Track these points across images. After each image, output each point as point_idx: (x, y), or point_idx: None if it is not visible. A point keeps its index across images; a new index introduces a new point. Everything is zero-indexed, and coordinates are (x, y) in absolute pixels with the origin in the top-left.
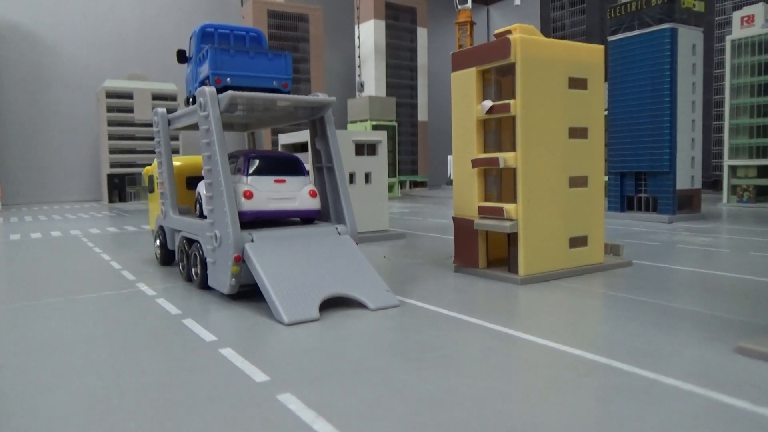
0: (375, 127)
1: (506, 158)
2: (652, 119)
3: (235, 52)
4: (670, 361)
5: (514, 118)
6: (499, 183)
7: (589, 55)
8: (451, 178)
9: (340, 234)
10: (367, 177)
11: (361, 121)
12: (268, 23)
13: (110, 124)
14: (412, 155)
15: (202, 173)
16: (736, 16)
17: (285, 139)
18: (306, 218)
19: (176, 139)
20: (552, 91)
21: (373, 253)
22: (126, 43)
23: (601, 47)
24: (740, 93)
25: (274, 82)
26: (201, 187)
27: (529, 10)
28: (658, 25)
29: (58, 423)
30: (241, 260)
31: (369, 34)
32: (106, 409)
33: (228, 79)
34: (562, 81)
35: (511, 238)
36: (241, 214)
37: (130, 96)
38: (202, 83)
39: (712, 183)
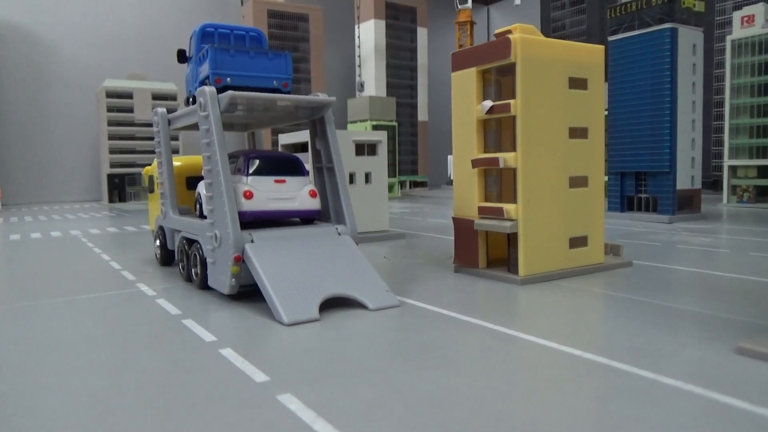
0: (375, 127)
1: (506, 158)
2: (652, 119)
3: (235, 52)
4: (670, 361)
5: (514, 118)
6: (499, 183)
7: (590, 55)
8: (451, 178)
9: (340, 234)
10: (367, 177)
11: (361, 121)
12: (268, 23)
13: (110, 124)
14: (412, 155)
15: (202, 173)
16: (737, 16)
17: (285, 139)
18: (306, 218)
19: (176, 139)
20: (552, 91)
21: (373, 254)
22: (126, 43)
23: (602, 47)
24: (740, 93)
25: (274, 82)
26: (201, 187)
27: (530, 10)
28: (658, 25)
29: (58, 423)
30: (241, 260)
31: (369, 34)
32: (106, 409)
33: (228, 78)
34: (562, 81)
35: (511, 239)
36: (241, 215)
37: (130, 96)
38: (202, 83)
39: (712, 183)
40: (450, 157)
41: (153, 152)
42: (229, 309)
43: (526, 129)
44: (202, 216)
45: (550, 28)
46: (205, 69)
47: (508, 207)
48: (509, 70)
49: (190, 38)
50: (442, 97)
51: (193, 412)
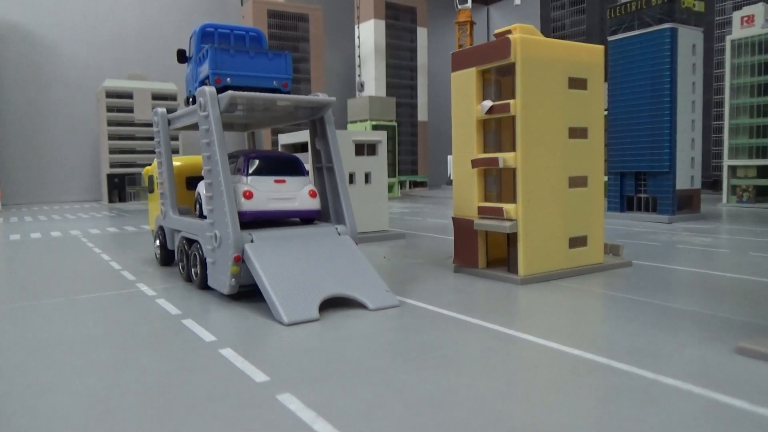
0: (375, 127)
1: (506, 158)
2: (652, 119)
3: (235, 52)
4: (669, 361)
5: (513, 118)
6: (498, 183)
7: (589, 55)
8: (451, 178)
9: (339, 234)
10: (367, 177)
11: (361, 121)
12: (268, 23)
13: (110, 124)
14: (411, 155)
15: (202, 173)
16: (736, 16)
17: (285, 139)
18: (306, 218)
19: (176, 139)
20: (552, 91)
21: (373, 254)
22: (126, 43)
23: (601, 47)
24: (740, 93)
25: (274, 82)
26: (201, 187)
27: (529, 9)
28: (658, 25)
29: (58, 423)
30: (240, 260)
31: (369, 34)
32: (106, 409)
33: (228, 78)
34: (561, 81)
35: (511, 239)
36: (241, 215)
37: (130, 96)
38: (202, 83)
39: (712, 183)
40: (450, 157)
41: (153, 152)
42: (229, 309)
43: (525, 129)
44: (201, 216)
45: (549, 28)
46: (205, 69)
47: (507, 207)
48: (509, 70)
49: (190, 38)
50: (442, 97)
51: (193, 412)
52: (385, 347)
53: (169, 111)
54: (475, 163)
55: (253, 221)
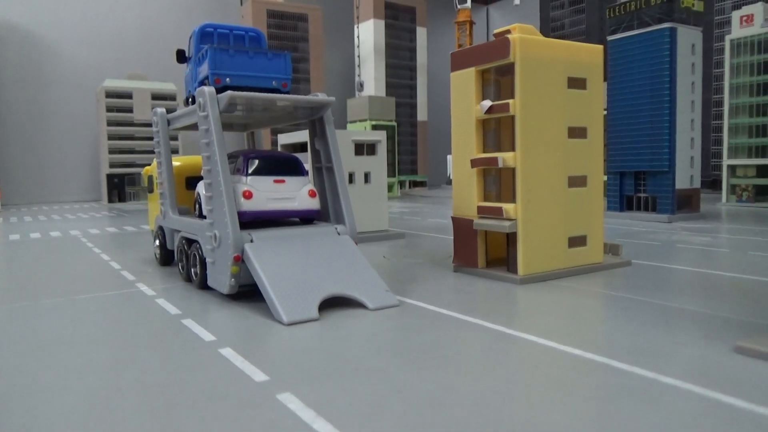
0: (374, 127)
1: (505, 158)
2: (652, 119)
3: (234, 52)
4: (669, 361)
5: (513, 117)
6: (498, 183)
7: (589, 55)
8: (451, 177)
9: (339, 234)
10: (367, 177)
11: (360, 120)
12: (267, 23)
13: (110, 123)
14: (411, 155)
15: (202, 173)
16: (736, 15)
17: (284, 139)
18: (305, 218)
19: (176, 139)
20: (551, 91)
21: (373, 253)
22: (125, 42)
23: (600, 47)
24: (739, 92)
25: (274, 82)
26: (200, 187)
27: (529, 9)
28: (657, 24)
29: (58, 422)
30: (240, 260)
31: (368, 34)
32: (106, 408)
33: (227, 79)
34: (561, 81)
35: (510, 238)
36: (241, 214)
37: (129, 96)
38: (202, 83)
39: (712, 182)
40: (449, 157)
41: (152, 152)
42: (229, 309)
43: (525, 129)
44: (201, 216)
45: (549, 27)
46: (204, 69)
47: (507, 206)
48: (508, 69)
49: (190, 38)
50: (442, 96)
51: (193, 412)
52: (384, 347)
53: (169, 111)
54: (474, 162)
55: (252, 221)
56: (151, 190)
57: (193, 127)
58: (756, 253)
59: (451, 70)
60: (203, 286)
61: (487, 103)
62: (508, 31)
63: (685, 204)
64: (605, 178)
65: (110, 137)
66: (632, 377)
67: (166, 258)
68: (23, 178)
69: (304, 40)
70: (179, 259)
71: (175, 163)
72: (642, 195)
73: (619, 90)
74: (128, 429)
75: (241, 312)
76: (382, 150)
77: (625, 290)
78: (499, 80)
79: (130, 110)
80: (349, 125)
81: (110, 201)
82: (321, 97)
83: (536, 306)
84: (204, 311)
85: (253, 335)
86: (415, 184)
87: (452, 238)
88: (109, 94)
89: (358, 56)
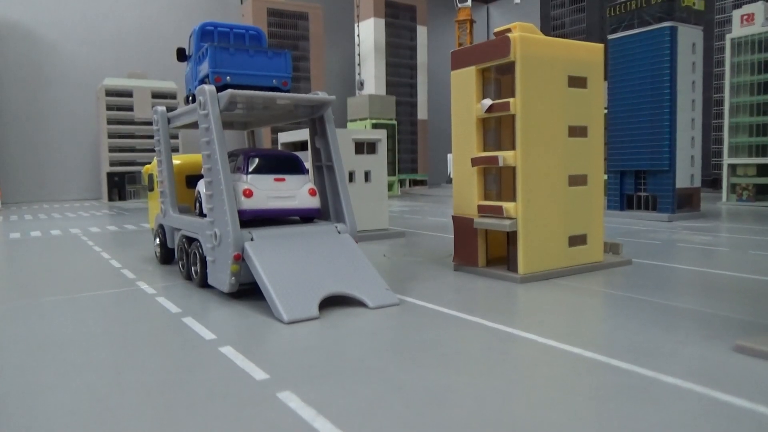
0: (375, 126)
1: (506, 157)
2: (652, 118)
3: (234, 51)
4: (669, 360)
5: (513, 116)
6: (498, 181)
7: (589, 54)
8: (451, 176)
9: (339, 233)
10: (367, 175)
11: (360, 119)
12: (267, 21)
13: (110, 122)
14: (411, 154)
15: (202, 172)
16: (736, 14)
17: (285, 137)
18: (306, 217)
19: (176, 137)
20: (552, 90)
21: (373, 252)
22: (126, 41)
23: (601, 46)
24: (740, 91)
25: (274, 81)
26: (201, 186)
27: (529, 8)
28: (657, 23)
29: (58, 422)
30: (240, 259)
31: (369, 33)
32: (107, 407)
33: (228, 77)
34: (561, 79)
35: (511, 237)
36: (241, 213)
37: (129, 94)
38: (202, 81)
39: (712, 181)
40: (450, 156)
41: (153, 151)
42: (229, 307)
43: (525, 127)
44: (201, 214)
45: (549, 26)
46: (204, 67)
47: (507, 205)
48: (509, 68)
49: (190, 37)
50: (442, 95)
51: (194, 410)
52: (385, 345)
53: (169, 109)
54: (474, 161)
55: (253, 220)
56: (151, 189)
57: (194, 125)
58: (756, 252)
59: (452, 68)
60: (203, 284)
61: (488, 101)
62: (509, 30)
63: (686, 203)
64: (605, 177)
65: (110, 136)
66: (632, 376)
67: (166, 256)
68: (24, 176)
69: (305, 38)
70: (180, 257)
71: (176, 161)
72: (642, 194)
73: (619, 89)
74: (128, 428)
75: (242, 310)
76: (382, 149)
77: (625, 289)
78: (499, 79)
79: (130, 109)
80: (349, 124)
81: (110, 199)
82: (321, 95)
83: (536, 305)
84: (204, 310)
85: (254, 334)
86: (415, 182)
87: (452, 236)
88: (110, 93)
89: (359, 55)
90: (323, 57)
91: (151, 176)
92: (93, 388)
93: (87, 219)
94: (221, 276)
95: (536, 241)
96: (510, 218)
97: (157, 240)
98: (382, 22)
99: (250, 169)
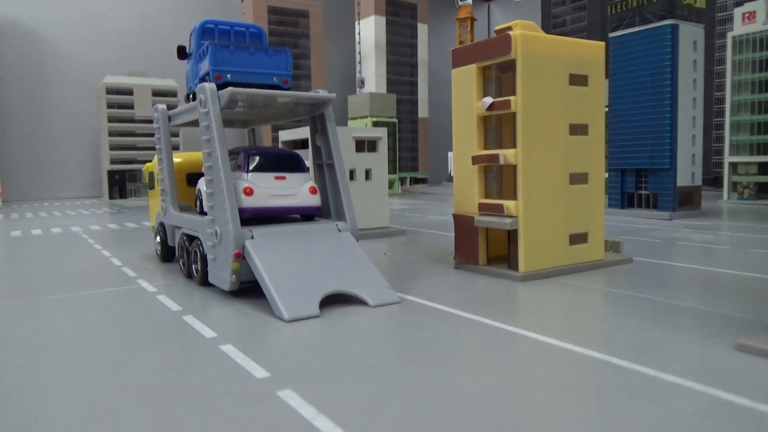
0: (375, 124)
1: (506, 155)
2: (653, 116)
3: (235, 49)
4: (670, 358)
5: (514, 114)
6: (499, 180)
7: (590, 52)
8: (452, 174)
9: (340, 231)
10: (368, 174)
11: (361, 117)
12: (268, 19)
13: (110, 120)
14: (412, 152)
15: (203, 170)
16: (738, 12)
17: (285, 135)
18: (306, 215)
19: (176, 135)
20: (552, 88)
21: (374, 250)
22: (126, 39)
23: (602, 44)
24: (741, 90)
25: (275, 79)
26: (201, 184)
27: (530, 6)
28: (659, 21)
29: (58, 420)
30: (241, 257)
31: (369, 31)
32: (107, 405)
33: (228, 75)
34: (562, 77)
35: (511, 235)
36: (242, 211)
37: (130, 92)
38: (203, 79)
39: (713, 180)
40: (450, 154)
41: (153, 149)
42: (230, 305)
43: (526, 126)
44: (202, 212)
45: (550, 24)
46: (205, 65)
47: (508, 204)
48: (510, 66)
49: (190, 35)
50: (443, 93)
51: (194, 409)
52: (385, 344)
53: (170, 107)
54: (475, 159)
55: (253, 218)
56: (152, 187)
57: (194, 123)
58: (757, 250)
59: (453, 66)
60: (204, 282)
61: (489, 99)
62: (510, 28)
63: (687, 201)
64: (606, 175)
65: (111, 134)
66: (633, 374)
67: (167, 254)
68: (24, 174)
69: (305, 36)
70: (180, 255)
71: (176, 159)
72: (643, 192)
73: (620, 87)
74: (129, 426)
75: (242, 309)
76: (382, 147)
77: (626, 287)
78: (500, 77)
79: (130, 107)
80: (349, 122)
81: (111, 197)
82: (322, 93)
83: (537, 303)
84: (205, 308)
85: (254, 332)
86: (415, 181)
87: (453, 235)
88: (110, 91)
89: (359, 53)
90: (324, 55)
91: (151, 174)
92: (93, 386)
93: (87, 217)
94: (222, 274)
95: (537, 239)
96: (511, 216)
97: (158, 238)
98: (382, 19)
99: (251, 167)
